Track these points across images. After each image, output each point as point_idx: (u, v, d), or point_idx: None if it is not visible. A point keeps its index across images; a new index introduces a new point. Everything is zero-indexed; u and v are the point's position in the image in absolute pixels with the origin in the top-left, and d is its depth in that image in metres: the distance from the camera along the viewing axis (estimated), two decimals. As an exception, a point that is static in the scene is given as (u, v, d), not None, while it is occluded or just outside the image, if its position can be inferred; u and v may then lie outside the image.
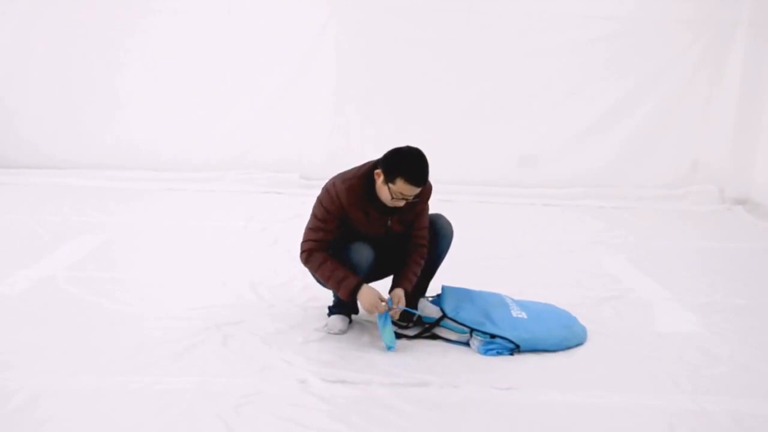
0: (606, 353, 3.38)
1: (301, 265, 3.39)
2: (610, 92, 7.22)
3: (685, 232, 6.13)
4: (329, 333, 3.45)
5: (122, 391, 2.79)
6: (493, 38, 7.08)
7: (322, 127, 7.23)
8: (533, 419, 2.75)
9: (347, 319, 3.52)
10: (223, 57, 7.07)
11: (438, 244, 3.53)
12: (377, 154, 3.32)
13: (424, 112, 7.18)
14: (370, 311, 3.24)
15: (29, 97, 7.09)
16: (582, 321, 3.61)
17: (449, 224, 3.57)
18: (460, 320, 3.36)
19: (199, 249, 4.92)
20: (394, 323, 3.33)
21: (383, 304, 3.23)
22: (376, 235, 3.38)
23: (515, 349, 3.28)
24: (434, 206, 3.57)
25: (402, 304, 3.30)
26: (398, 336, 3.35)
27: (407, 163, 3.16)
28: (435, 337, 3.43)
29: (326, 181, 3.37)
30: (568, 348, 3.38)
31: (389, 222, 3.37)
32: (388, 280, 3.52)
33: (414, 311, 3.43)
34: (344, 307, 3.49)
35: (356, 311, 3.59)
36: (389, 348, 3.26)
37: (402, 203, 3.24)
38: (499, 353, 3.27)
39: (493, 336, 3.29)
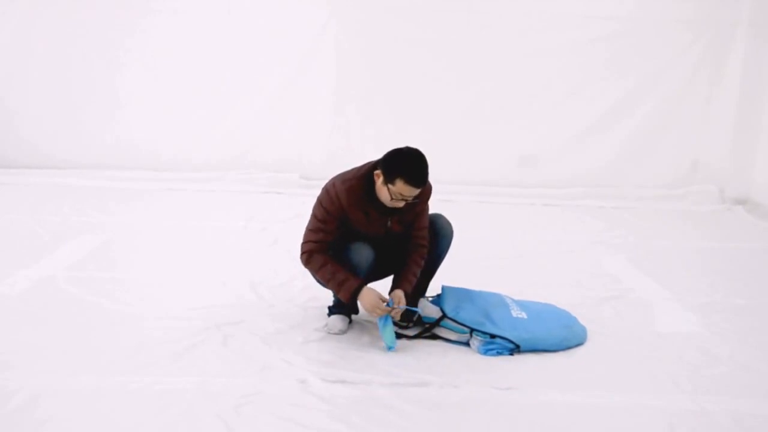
0: (606, 353, 3.38)
1: (301, 266, 3.39)
2: (610, 92, 7.22)
3: (685, 232, 6.13)
4: (329, 333, 3.45)
5: (122, 391, 2.79)
6: (493, 38, 7.08)
7: (322, 127, 7.23)
8: (533, 419, 2.75)
9: (347, 319, 3.52)
10: (223, 57, 7.07)
11: (438, 244, 3.53)
12: (377, 154, 3.32)
13: (424, 112, 7.18)
14: (371, 312, 3.24)
15: (29, 97, 7.09)
16: (582, 321, 3.61)
17: (449, 224, 3.57)
18: (460, 320, 3.36)
19: (199, 249, 4.93)
20: (394, 323, 3.33)
21: (384, 305, 3.23)
22: (376, 236, 3.38)
23: (515, 349, 3.28)
24: (434, 206, 3.57)
25: (403, 305, 3.30)
26: (398, 336, 3.35)
27: (407, 164, 3.16)
28: (435, 337, 3.43)
29: (326, 181, 3.37)
30: (568, 348, 3.39)
31: (389, 222, 3.37)
32: (388, 281, 3.51)
33: (415, 309, 3.43)
34: (344, 307, 3.49)
35: (356, 311, 3.59)
36: (389, 348, 3.26)
37: (401, 204, 3.24)
38: (499, 353, 3.27)
39: (493, 336, 3.29)
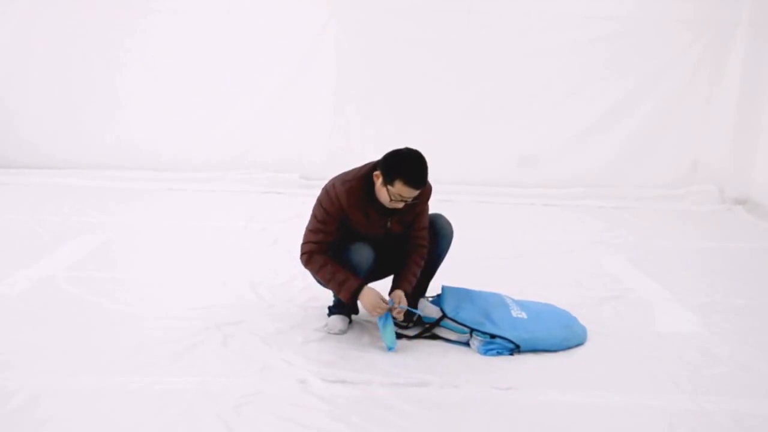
0: (606, 353, 3.38)
1: (301, 266, 3.39)
2: (610, 92, 7.22)
3: (685, 232, 6.13)
4: (329, 333, 3.45)
5: (122, 391, 2.79)
6: (493, 38, 7.08)
7: (322, 127, 7.23)
8: (533, 419, 2.75)
9: (347, 319, 3.52)
10: (223, 57, 7.07)
11: (438, 244, 3.53)
12: (377, 154, 3.32)
13: (424, 112, 7.18)
14: (371, 312, 3.24)
15: (29, 97, 7.09)
16: (582, 321, 3.61)
17: (449, 224, 3.57)
18: (460, 320, 3.36)
19: (199, 249, 4.93)
20: (394, 323, 3.33)
21: (384, 304, 3.23)
22: (376, 236, 3.38)
23: (515, 349, 3.28)
24: (434, 206, 3.57)
25: (404, 304, 3.30)
26: (398, 336, 3.35)
27: (406, 166, 3.16)
28: (435, 337, 3.43)
29: (326, 181, 3.38)
30: (568, 348, 3.39)
31: (389, 223, 3.37)
32: (387, 281, 3.51)
33: (415, 311, 3.44)
34: (344, 307, 3.49)
35: (356, 311, 3.60)
36: (389, 348, 3.26)
37: (401, 205, 3.24)
38: (499, 353, 3.27)
39: (493, 336, 3.29)
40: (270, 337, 3.36)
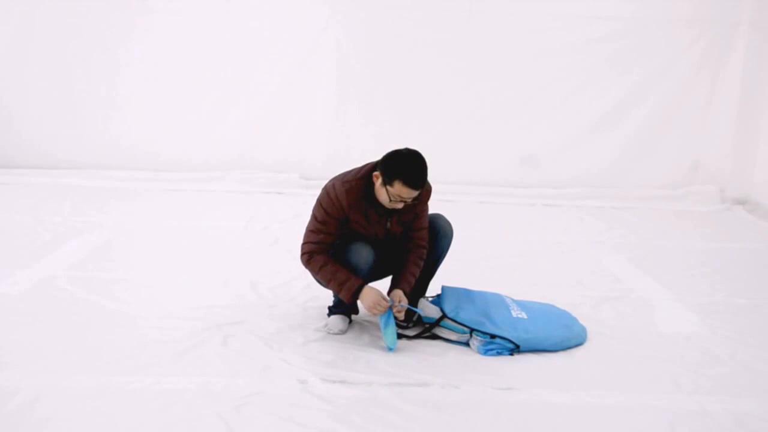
0: (606, 353, 3.38)
1: (302, 266, 3.39)
2: (610, 93, 7.21)
3: (685, 232, 6.13)
4: (329, 333, 3.45)
5: (122, 391, 2.79)
6: (493, 38, 7.07)
7: (322, 127, 7.23)
8: (533, 419, 2.75)
9: (347, 319, 3.52)
10: (223, 57, 7.07)
11: (438, 244, 3.53)
12: (377, 155, 3.32)
13: (425, 112, 7.18)
14: (371, 310, 3.24)
15: (29, 97, 7.08)
16: (582, 321, 3.61)
17: (449, 224, 3.57)
18: (460, 320, 3.36)
19: (199, 249, 4.92)
20: (395, 323, 3.33)
21: (385, 302, 3.23)
22: (375, 237, 3.38)
23: (515, 349, 3.28)
24: (434, 206, 3.57)
25: (404, 302, 3.30)
26: (398, 336, 3.34)
27: (405, 166, 3.16)
28: (435, 337, 3.43)
29: (326, 181, 3.38)
30: (568, 348, 3.39)
31: (389, 223, 3.37)
32: (387, 281, 3.51)
33: (416, 309, 3.44)
34: (344, 307, 3.49)
35: (356, 311, 3.60)
36: (390, 349, 3.26)
37: (400, 205, 3.24)
38: (499, 353, 3.27)
39: (493, 336, 3.29)
40: (270, 337, 3.36)
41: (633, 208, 6.85)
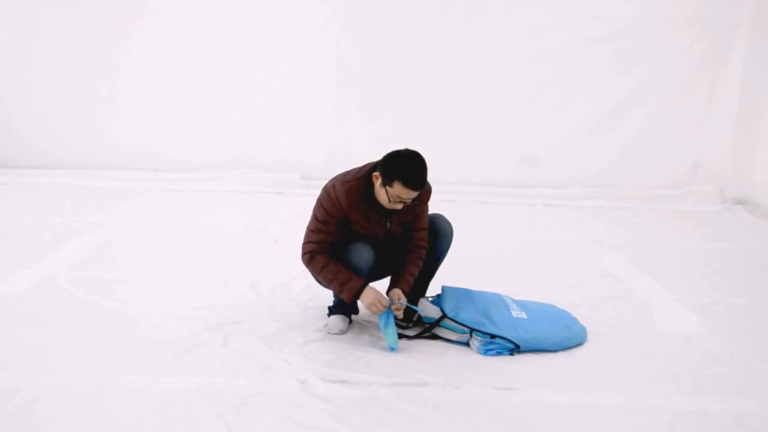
0: (606, 353, 3.38)
1: (302, 266, 3.39)
2: (610, 92, 7.21)
3: (685, 232, 6.13)
4: (329, 333, 3.45)
5: (122, 391, 2.79)
6: (493, 38, 7.07)
7: (322, 127, 7.22)
8: (533, 419, 2.75)
9: (347, 319, 3.52)
10: (223, 57, 7.06)
11: (438, 244, 3.53)
12: (377, 155, 3.32)
13: (425, 113, 7.18)
14: (371, 308, 3.24)
15: (29, 97, 7.08)
16: (582, 321, 3.61)
17: (449, 224, 3.57)
18: (460, 320, 3.36)
19: (199, 249, 4.92)
20: (395, 323, 3.33)
21: (384, 301, 3.23)
22: (375, 237, 3.39)
23: (515, 349, 3.28)
24: (435, 206, 3.57)
25: (403, 301, 3.30)
26: (398, 336, 3.34)
27: (405, 167, 3.16)
28: (435, 337, 3.43)
29: (326, 181, 3.38)
30: (568, 348, 3.39)
31: (388, 224, 3.37)
32: (386, 281, 3.51)
33: (415, 308, 3.44)
34: (344, 307, 3.49)
35: (356, 311, 3.59)
36: (392, 349, 3.26)
37: (400, 206, 3.24)
38: (499, 353, 3.27)
39: (493, 336, 3.29)
40: (270, 337, 3.36)
41: (633, 208, 6.85)
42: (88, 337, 3.30)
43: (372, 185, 3.27)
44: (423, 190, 3.26)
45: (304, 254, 3.33)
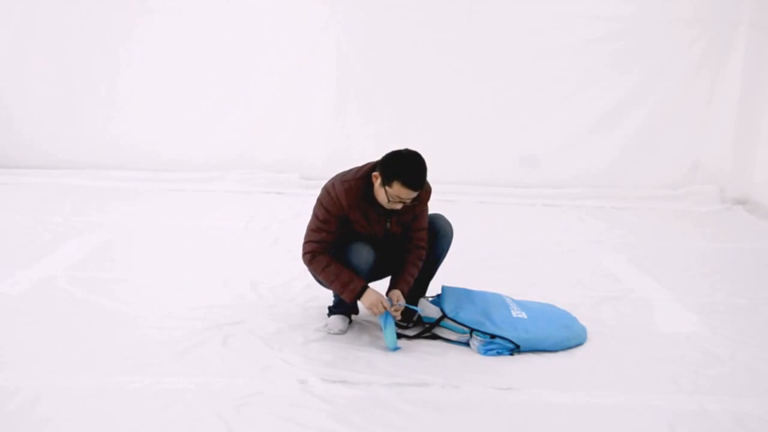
0: (606, 353, 3.38)
1: (302, 265, 3.40)
2: (610, 92, 7.21)
3: (685, 232, 6.13)
4: (329, 333, 3.45)
5: (122, 391, 2.79)
6: (493, 38, 7.07)
7: (322, 127, 7.23)
8: (533, 419, 2.75)
9: (347, 319, 3.52)
10: (223, 57, 7.06)
11: (438, 244, 3.53)
12: (377, 155, 3.32)
13: (425, 113, 7.18)
14: (371, 308, 3.24)
15: (29, 97, 7.08)
16: (582, 321, 3.61)
17: (449, 224, 3.57)
18: (460, 320, 3.36)
19: (199, 249, 4.92)
20: (395, 323, 3.33)
21: (384, 301, 3.23)
22: (375, 237, 3.38)
23: (515, 349, 3.28)
24: (435, 206, 3.57)
25: (402, 302, 3.30)
26: (398, 336, 3.34)
27: (404, 167, 3.16)
28: (435, 337, 3.43)
29: (326, 181, 3.38)
30: (568, 348, 3.39)
31: (388, 224, 3.37)
32: (386, 281, 3.51)
33: (415, 308, 3.44)
34: (344, 307, 3.49)
35: (356, 311, 3.59)
36: (394, 349, 3.26)
37: (399, 206, 3.24)
38: (499, 353, 3.27)
39: (493, 336, 3.29)
40: (270, 337, 3.36)
41: (633, 208, 6.85)
42: (88, 337, 3.30)
43: (372, 185, 3.27)
44: (422, 190, 3.26)
45: (305, 254, 3.32)
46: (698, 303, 4.14)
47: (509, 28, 7.06)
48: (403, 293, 3.35)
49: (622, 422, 2.76)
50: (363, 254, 3.30)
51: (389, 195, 3.18)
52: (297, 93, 7.15)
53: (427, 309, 3.50)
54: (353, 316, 3.60)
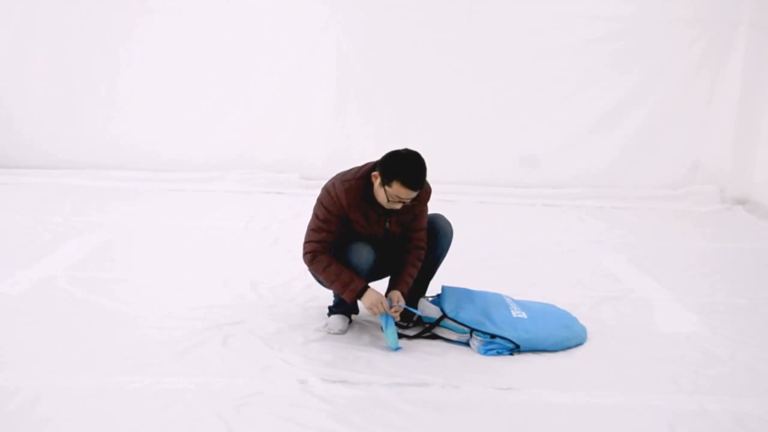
0: (606, 353, 3.38)
1: (302, 265, 3.40)
2: (610, 92, 7.21)
3: (685, 232, 6.13)
4: (329, 333, 3.45)
5: (122, 391, 2.79)
6: (493, 38, 7.07)
7: (322, 127, 7.23)
8: (533, 419, 2.75)
9: (347, 319, 3.52)
10: (223, 57, 7.07)
11: (438, 244, 3.53)
12: (377, 155, 3.32)
13: (425, 113, 7.18)
14: (372, 308, 3.24)
15: (29, 97, 7.08)
16: (582, 321, 3.61)
17: (449, 224, 3.57)
18: (460, 320, 3.36)
19: (199, 249, 4.92)
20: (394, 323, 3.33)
21: (384, 301, 3.23)
22: (375, 236, 3.38)
23: (515, 349, 3.28)
24: (435, 206, 3.57)
25: (402, 303, 3.30)
26: (399, 336, 3.34)
27: (404, 167, 3.16)
28: (435, 337, 3.43)
29: (326, 181, 3.38)
30: (568, 348, 3.39)
31: (388, 223, 3.37)
32: (385, 280, 3.51)
33: (414, 310, 3.44)
34: (344, 306, 3.49)
35: (356, 311, 3.60)
36: (396, 349, 3.26)
37: (399, 206, 3.24)
38: (499, 353, 3.27)
39: (493, 336, 3.29)
40: (270, 337, 3.36)
41: (633, 208, 6.85)
42: (88, 337, 3.30)
43: (371, 185, 3.27)
44: (422, 190, 3.26)
45: (305, 253, 3.32)
46: (698, 303, 4.14)
47: (509, 28, 7.06)
48: (402, 294, 3.35)
49: (622, 422, 2.76)
50: (363, 254, 3.30)
51: (389, 195, 3.18)
52: (297, 93, 7.15)
53: (427, 309, 3.50)
54: (353, 316, 3.60)
